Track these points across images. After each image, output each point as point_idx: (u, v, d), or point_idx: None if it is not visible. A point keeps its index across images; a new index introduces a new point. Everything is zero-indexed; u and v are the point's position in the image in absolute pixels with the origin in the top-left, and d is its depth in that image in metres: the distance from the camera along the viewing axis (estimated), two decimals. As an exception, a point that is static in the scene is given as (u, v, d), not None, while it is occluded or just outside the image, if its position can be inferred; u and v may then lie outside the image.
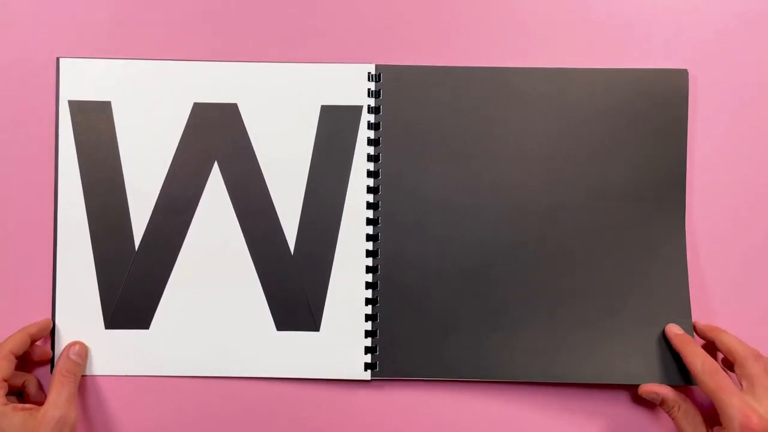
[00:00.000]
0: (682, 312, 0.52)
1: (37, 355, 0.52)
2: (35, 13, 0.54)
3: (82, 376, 0.52)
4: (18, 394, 0.51)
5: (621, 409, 0.53)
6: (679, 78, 0.53)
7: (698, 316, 0.53)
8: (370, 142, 0.53)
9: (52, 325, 0.52)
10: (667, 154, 0.53)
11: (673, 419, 0.50)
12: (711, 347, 0.51)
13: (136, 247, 0.53)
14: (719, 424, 0.46)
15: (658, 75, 0.53)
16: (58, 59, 0.53)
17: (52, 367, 0.52)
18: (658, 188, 0.53)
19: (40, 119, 0.53)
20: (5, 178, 0.53)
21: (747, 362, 0.47)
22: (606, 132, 0.53)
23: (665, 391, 0.50)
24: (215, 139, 0.53)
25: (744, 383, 0.47)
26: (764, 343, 0.52)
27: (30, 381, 0.51)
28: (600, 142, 0.53)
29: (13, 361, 0.48)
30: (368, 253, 0.53)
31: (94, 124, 0.53)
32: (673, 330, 0.51)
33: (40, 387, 0.52)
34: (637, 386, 0.51)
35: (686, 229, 0.53)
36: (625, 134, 0.53)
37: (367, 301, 0.53)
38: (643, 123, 0.53)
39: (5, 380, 0.48)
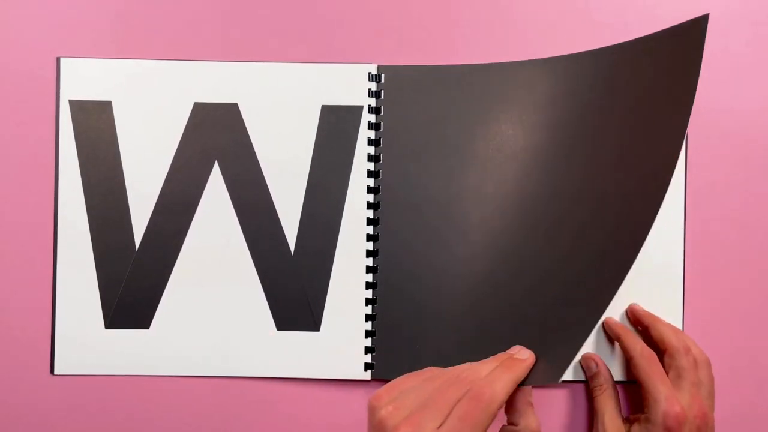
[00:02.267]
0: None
1: None
2: (35, 13, 0.53)
3: (82, 375, 0.52)
4: None
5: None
6: (695, 28, 0.47)
7: (696, 316, 0.53)
8: (370, 142, 0.53)
9: None
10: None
11: (594, 398, 0.50)
12: (645, 335, 0.51)
13: (137, 247, 0.52)
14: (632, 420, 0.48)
15: (669, 34, 0.49)
16: (58, 59, 0.53)
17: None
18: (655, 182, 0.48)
19: (40, 119, 0.53)
20: (5, 178, 0.53)
21: (677, 354, 0.47)
22: (616, 115, 0.50)
23: (603, 367, 0.51)
24: (216, 139, 0.53)
25: (671, 374, 0.47)
26: (763, 343, 0.52)
27: None
28: (609, 128, 0.50)
29: None
30: (368, 253, 0.53)
31: (95, 124, 0.53)
32: (611, 321, 0.52)
33: None
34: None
35: (685, 230, 0.53)
36: (635, 114, 0.49)
37: (367, 301, 0.53)
38: (651, 93, 0.49)
39: None
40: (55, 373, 0.52)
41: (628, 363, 0.50)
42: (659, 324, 0.50)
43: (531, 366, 0.44)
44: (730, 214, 0.54)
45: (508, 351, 0.46)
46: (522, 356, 0.45)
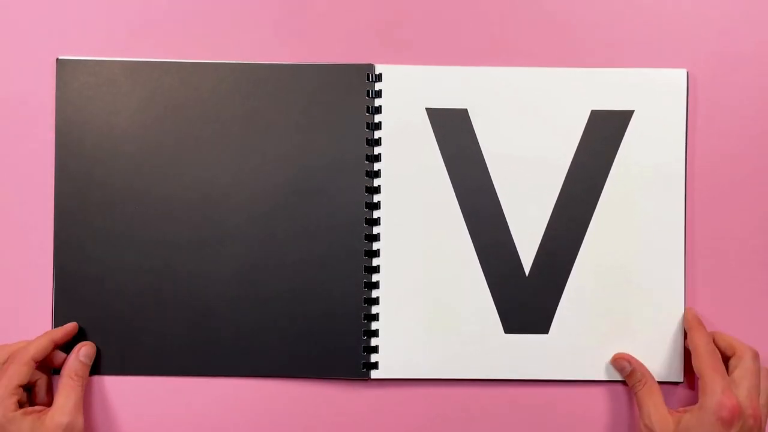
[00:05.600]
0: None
1: (57, 361, 0.51)
2: (35, 13, 0.53)
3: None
4: (27, 390, 0.50)
5: (622, 406, 0.53)
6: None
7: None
8: (370, 142, 0.53)
9: (77, 330, 0.52)
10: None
11: (635, 394, 0.50)
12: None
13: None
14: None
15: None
16: (58, 59, 0.53)
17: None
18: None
19: (40, 119, 0.53)
20: (5, 178, 0.53)
21: (746, 356, 0.48)
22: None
23: (636, 363, 0.51)
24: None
25: (736, 373, 0.48)
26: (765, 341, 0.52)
27: (41, 380, 0.50)
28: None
29: (33, 367, 0.48)
30: (369, 253, 0.53)
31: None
32: (691, 312, 0.52)
33: (50, 387, 0.51)
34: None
35: (686, 229, 0.53)
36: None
37: (368, 301, 0.53)
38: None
39: (21, 386, 0.47)
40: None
41: (691, 355, 0.50)
42: (725, 335, 0.51)
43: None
44: (731, 214, 0.54)
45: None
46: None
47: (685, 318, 0.52)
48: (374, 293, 0.53)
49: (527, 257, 0.53)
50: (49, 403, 0.49)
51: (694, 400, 0.49)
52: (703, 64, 0.54)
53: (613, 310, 0.53)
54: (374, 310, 0.53)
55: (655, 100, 0.53)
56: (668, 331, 0.52)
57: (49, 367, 0.51)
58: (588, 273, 0.53)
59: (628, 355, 0.52)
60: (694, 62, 0.54)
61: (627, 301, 0.53)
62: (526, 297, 0.53)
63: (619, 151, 0.53)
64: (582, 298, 0.53)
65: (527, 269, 0.53)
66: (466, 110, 0.53)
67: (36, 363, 0.48)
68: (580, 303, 0.53)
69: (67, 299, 0.52)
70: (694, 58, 0.54)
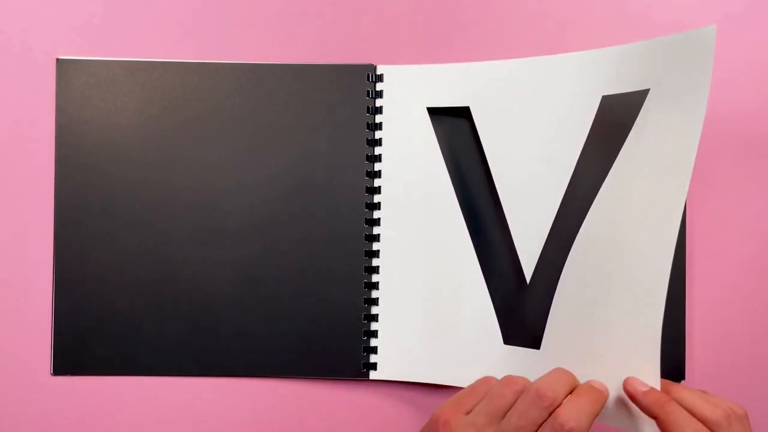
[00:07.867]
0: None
1: None
2: (35, 13, 0.54)
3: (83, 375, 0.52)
4: None
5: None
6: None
7: (693, 320, 0.52)
8: (370, 142, 0.53)
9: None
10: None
11: None
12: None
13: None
14: None
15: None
16: (58, 59, 0.53)
17: None
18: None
19: (40, 119, 0.53)
20: (5, 178, 0.53)
21: (721, 429, 0.39)
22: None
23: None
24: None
25: None
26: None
27: None
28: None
29: None
30: (369, 254, 0.53)
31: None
32: (638, 387, 0.41)
33: None
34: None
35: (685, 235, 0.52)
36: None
37: (368, 302, 0.53)
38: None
39: None
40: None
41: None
42: (685, 393, 0.41)
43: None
44: (730, 218, 0.53)
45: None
46: (601, 387, 0.41)
47: (631, 394, 0.41)
48: (374, 294, 0.53)
49: (529, 263, 0.50)
50: None
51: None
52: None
53: (597, 325, 0.45)
54: (374, 310, 0.53)
55: (675, 71, 0.43)
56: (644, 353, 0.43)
57: None
58: (573, 283, 0.47)
59: (640, 382, 0.41)
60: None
61: (606, 316, 0.44)
62: (527, 305, 0.51)
63: (627, 139, 0.45)
64: (567, 311, 0.47)
65: (528, 276, 0.51)
66: (468, 108, 0.52)
67: None
68: (566, 317, 0.47)
69: (67, 299, 0.52)
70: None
